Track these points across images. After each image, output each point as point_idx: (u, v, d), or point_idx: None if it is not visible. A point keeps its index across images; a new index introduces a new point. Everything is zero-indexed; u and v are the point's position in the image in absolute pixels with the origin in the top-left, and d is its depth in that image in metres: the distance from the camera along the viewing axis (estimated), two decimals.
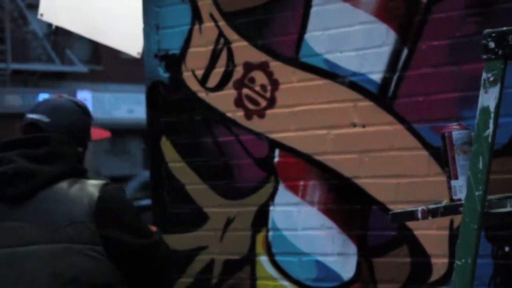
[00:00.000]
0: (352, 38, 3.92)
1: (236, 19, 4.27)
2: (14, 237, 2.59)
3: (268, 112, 4.19)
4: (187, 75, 4.44)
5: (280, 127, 4.15)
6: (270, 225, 4.18)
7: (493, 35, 2.44)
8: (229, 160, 4.30)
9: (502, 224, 3.45)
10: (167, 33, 4.50)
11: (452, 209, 2.64)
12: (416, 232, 3.76)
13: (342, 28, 3.95)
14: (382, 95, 3.86)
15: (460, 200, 2.62)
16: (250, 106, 4.24)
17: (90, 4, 5.48)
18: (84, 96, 23.43)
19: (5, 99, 23.45)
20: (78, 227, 2.56)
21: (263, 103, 4.20)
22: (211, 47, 4.36)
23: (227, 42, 4.31)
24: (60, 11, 5.52)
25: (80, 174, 2.70)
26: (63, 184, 2.62)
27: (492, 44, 2.44)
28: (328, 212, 4.01)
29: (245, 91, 4.25)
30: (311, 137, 4.05)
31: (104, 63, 26.26)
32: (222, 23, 4.32)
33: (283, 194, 4.13)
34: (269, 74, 4.18)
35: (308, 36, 4.05)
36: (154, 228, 2.79)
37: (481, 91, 2.45)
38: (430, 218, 2.69)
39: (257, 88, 4.22)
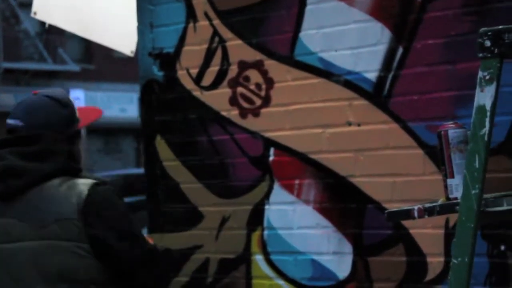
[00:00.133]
0: (347, 36, 3.92)
1: (231, 17, 4.27)
2: (2, 234, 2.60)
3: (263, 110, 4.18)
4: (181, 74, 4.43)
5: (275, 126, 4.14)
6: (265, 224, 4.18)
7: (489, 33, 2.44)
8: (224, 159, 4.30)
9: (497, 223, 3.46)
10: (161, 31, 4.49)
11: (448, 207, 2.63)
12: (411, 231, 3.76)
13: (337, 26, 3.95)
14: (377, 94, 3.86)
15: (456, 198, 2.61)
16: (245, 104, 4.24)
17: (83, 3, 5.46)
18: (77, 95, 23.40)
19: None
20: (65, 225, 2.56)
21: (258, 101, 4.20)
22: (205, 46, 4.35)
23: (222, 41, 4.30)
24: (53, 10, 5.50)
25: (73, 172, 2.68)
26: (54, 182, 2.62)
27: (488, 43, 2.44)
28: (323, 211, 4.00)
29: (240, 89, 4.25)
30: (306, 136, 4.05)
31: (96, 62, 26.21)
32: (216, 21, 4.32)
33: (278, 193, 4.13)
34: (264, 73, 4.17)
35: (303, 34, 4.05)
36: (151, 240, 2.76)
37: (477, 89, 2.44)
38: (426, 216, 2.68)
39: (252, 87, 4.21)
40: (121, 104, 26.00)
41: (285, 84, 4.11)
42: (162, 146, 4.49)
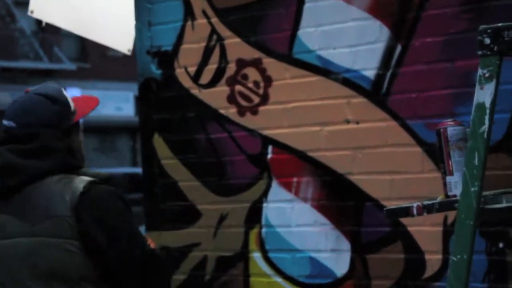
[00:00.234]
0: (345, 34, 3.92)
1: (229, 15, 4.27)
2: None
3: (261, 108, 4.18)
4: (179, 72, 4.43)
5: (273, 124, 4.15)
6: (263, 221, 4.18)
7: (489, 31, 2.44)
8: (222, 157, 4.30)
9: (496, 220, 3.46)
10: (159, 29, 4.49)
11: (447, 205, 2.64)
12: (410, 228, 3.76)
13: (335, 24, 3.95)
14: (375, 92, 3.86)
15: (455, 196, 2.62)
16: (243, 102, 4.24)
17: (80, 1, 5.46)
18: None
19: None
20: (58, 221, 2.55)
21: (256, 99, 4.20)
22: (203, 44, 4.35)
23: (220, 39, 4.30)
24: (50, 8, 5.49)
25: (73, 168, 2.68)
26: (52, 179, 2.61)
27: (487, 40, 2.44)
28: (321, 208, 4.01)
29: (238, 87, 4.25)
30: (304, 134, 4.05)
31: (92, 60, 26.21)
32: (214, 19, 4.32)
33: (276, 190, 4.13)
34: (262, 71, 4.17)
35: (301, 32, 4.05)
36: (153, 244, 2.73)
37: (477, 87, 2.45)
38: (425, 214, 2.69)
39: (250, 85, 4.21)
40: (117, 103, 26.00)
41: (283, 82, 4.11)
42: (160, 144, 4.49)
